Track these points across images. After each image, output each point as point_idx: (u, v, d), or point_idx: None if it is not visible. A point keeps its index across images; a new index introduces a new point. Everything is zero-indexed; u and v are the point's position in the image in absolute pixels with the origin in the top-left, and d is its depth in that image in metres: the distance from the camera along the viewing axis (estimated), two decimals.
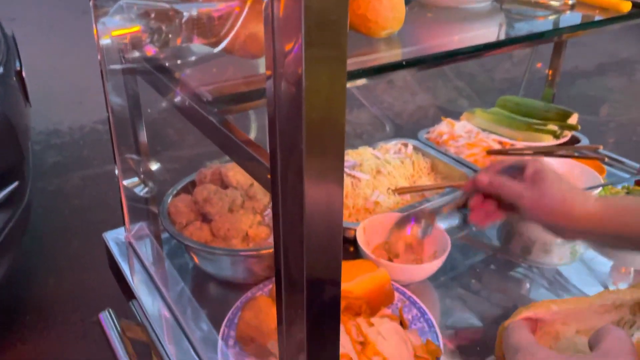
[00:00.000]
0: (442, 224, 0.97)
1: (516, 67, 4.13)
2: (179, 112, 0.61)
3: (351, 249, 1.02)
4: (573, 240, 0.95)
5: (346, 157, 1.24)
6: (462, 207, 1.14)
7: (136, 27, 0.78)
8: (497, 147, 1.28)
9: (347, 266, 0.87)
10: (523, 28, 0.86)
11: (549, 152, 1.18)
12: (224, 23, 0.59)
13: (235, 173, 1.01)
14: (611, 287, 0.95)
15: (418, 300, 0.85)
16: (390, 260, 0.96)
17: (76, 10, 5.47)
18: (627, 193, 1.08)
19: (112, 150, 0.92)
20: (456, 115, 1.43)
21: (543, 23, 0.90)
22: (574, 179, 1.11)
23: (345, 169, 1.18)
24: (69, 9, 5.65)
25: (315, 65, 0.33)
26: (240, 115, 0.68)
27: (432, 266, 0.91)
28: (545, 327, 0.54)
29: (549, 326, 0.54)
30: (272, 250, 0.44)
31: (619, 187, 1.11)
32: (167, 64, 0.67)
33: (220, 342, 0.77)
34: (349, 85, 0.64)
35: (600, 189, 1.07)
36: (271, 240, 0.74)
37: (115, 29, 0.79)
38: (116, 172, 0.94)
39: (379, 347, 0.72)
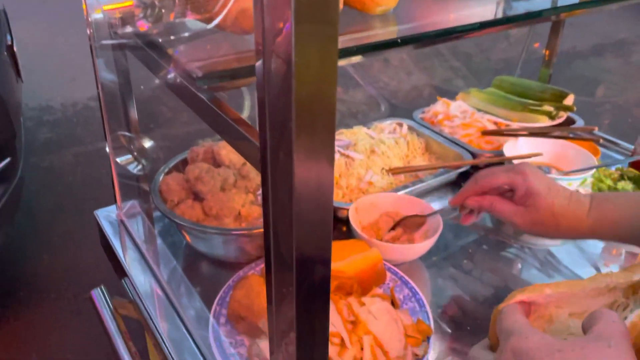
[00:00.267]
0: (434, 205, 0.96)
1: (513, 46, 4.10)
2: (169, 89, 0.60)
3: (344, 228, 1.02)
4: None
5: (340, 137, 1.23)
6: (455, 187, 1.14)
7: (129, 1, 0.76)
8: (492, 127, 1.27)
9: (339, 246, 0.87)
10: (521, 6, 0.84)
11: (543, 133, 1.18)
12: None
13: (228, 152, 1.00)
14: (602, 269, 0.96)
15: (410, 280, 0.85)
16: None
17: None
18: (621, 175, 1.08)
19: (103, 128, 0.91)
20: (452, 95, 1.42)
21: (541, 1, 0.88)
22: (568, 160, 1.11)
23: (340, 149, 1.17)
24: None
25: (306, 42, 0.32)
26: (234, 93, 0.67)
27: (424, 246, 0.91)
28: (539, 311, 0.54)
29: (543, 309, 0.54)
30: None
31: (613, 168, 1.11)
32: (157, 40, 0.66)
33: (211, 320, 0.77)
34: (342, 62, 0.63)
35: (594, 170, 1.07)
36: None
37: (107, 3, 0.78)
38: (107, 149, 0.93)
39: (369, 326, 0.72)
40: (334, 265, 0.79)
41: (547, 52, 1.41)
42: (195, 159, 1.02)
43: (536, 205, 0.71)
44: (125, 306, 0.92)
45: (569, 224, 0.71)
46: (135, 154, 0.93)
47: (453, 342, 0.80)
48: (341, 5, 0.67)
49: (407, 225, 0.96)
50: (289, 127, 0.34)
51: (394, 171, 1.12)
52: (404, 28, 0.73)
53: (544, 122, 1.26)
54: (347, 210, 0.97)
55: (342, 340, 0.70)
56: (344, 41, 0.62)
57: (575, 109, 1.31)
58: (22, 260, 2.21)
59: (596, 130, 1.22)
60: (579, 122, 1.31)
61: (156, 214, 1.01)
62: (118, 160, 0.93)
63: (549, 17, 0.99)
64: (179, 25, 0.69)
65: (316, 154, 0.36)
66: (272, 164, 0.38)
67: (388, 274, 0.86)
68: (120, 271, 0.94)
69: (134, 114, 0.90)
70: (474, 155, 1.18)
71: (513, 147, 1.14)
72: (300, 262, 0.39)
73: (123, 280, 0.93)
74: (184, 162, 1.03)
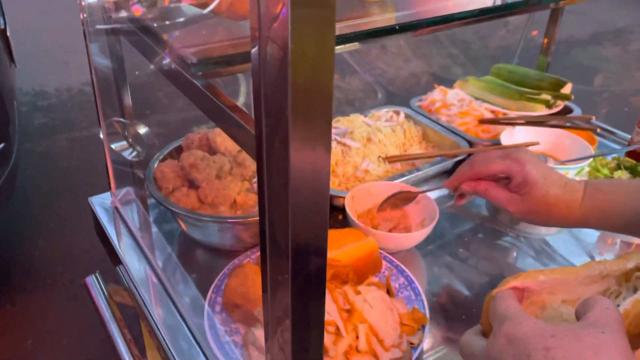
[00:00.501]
0: (431, 194, 0.96)
1: (511, 34, 4.09)
2: (163, 76, 0.60)
3: (340, 217, 1.02)
4: None
5: (337, 125, 1.22)
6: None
7: None
8: (489, 116, 1.27)
9: (335, 234, 0.87)
10: None
11: (541, 122, 1.18)
12: None
13: (224, 139, 1.00)
14: (597, 258, 0.96)
15: (405, 269, 0.85)
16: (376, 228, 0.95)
17: None
18: (617, 164, 1.08)
19: (97, 113, 0.90)
20: (449, 83, 1.42)
21: None
22: (564, 149, 1.11)
23: (336, 137, 1.17)
24: None
25: (303, 27, 0.32)
26: (229, 79, 0.67)
27: (420, 234, 0.91)
28: (532, 297, 0.54)
29: (536, 296, 0.54)
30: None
31: (610, 158, 1.11)
32: (152, 25, 0.65)
33: (207, 308, 0.77)
34: (340, 49, 0.62)
35: (591, 159, 1.07)
36: None
37: None
38: (101, 135, 0.92)
39: (365, 315, 0.72)
40: (330, 254, 0.79)
41: (546, 40, 1.40)
42: (190, 146, 1.01)
43: (531, 194, 0.72)
44: (120, 293, 0.92)
45: (561, 213, 0.71)
46: (130, 140, 0.92)
47: (448, 330, 0.81)
48: None
49: (397, 201, 0.95)
50: (285, 115, 0.34)
51: (391, 159, 1.12)
52: (402, 15, 0.72)
53: (542, 110, 1.26)
54: (343, 198, 0.96)
55: (338, 328, 0.70)
56: (341, 28, 0.61)
57: (572, 97, 1.31)
58: (17, 246, 2.20)
59: (593, 120, 1.22)
60: (577, 111, 1.31)
61: (151, 201, 1.01)
62: (112, 146, 0.92)
63: (548, 5, 0.98)
64: (173, 10, 0.68)
65: (313, 142, 0.35)
66: (268, 152, 0.38)
67: (384, 263, 0.86)
68: (115, 258, 0.94)
69: (128, 99, 0.89)
70: (470, 144, 1.17)
71: (510, 136, 1.13)
72: (296, 250, 0.39)
73: (118, 268, 0.92)
74: (179, 149, 1.02)
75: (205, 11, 0.63)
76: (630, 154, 1.13)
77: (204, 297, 0.79)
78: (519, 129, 1.15)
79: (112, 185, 0.98)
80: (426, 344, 0.77)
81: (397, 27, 0.64)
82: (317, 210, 0.39)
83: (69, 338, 1.84)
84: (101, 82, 0.86)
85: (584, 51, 4.11)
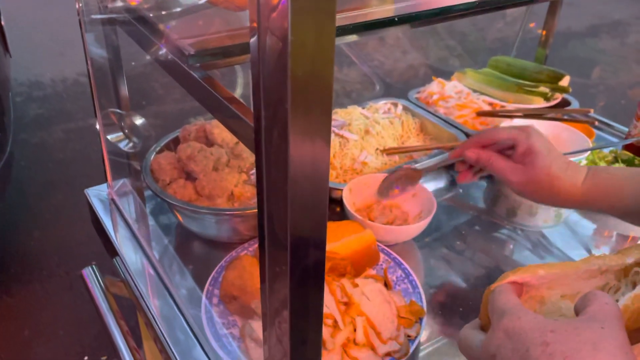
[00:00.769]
0: (428, 186, 0.96)
1: (509, 26, 4.07)
2: (160, 66, 0.59)
3: (337, 209, 1.02)
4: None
5: (335, 117, 1.22)
6: (449, 168, 1.14)
7: None
8: (487, 108, 1.26)
9: (333, 227, 0.87)
10: None
11: (539, 114, 1.17)
12: None
13: (221, 131, 0.99)
14: (593, 250, 0.96)
15: (403, 262, 0.85)
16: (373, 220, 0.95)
17: None
18: (615, 157, 1.08)
19: (93, 104, 0.89)
20: (447, 75, 1.41)
21: None
22: (562, 142, 1.11)
23: (334, 129, 1.16)
24: None
25: (302, 18, 0.31)
26: (227, 70, 0.66)
27: (417, 227, 0.91)
28: (531, 292, 0.54)
29: (535, 290, 0.54)
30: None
31: (607, 151, 1.11)
32: (148, 15, 0.64)
33: (204, 300, 0.77)
34: (338, 41, 0.62)
35: (588, 153, 1.07)
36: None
37: None
38: (97, 126, 0.91)
39: (363, 307, 0.72)
40: (327, 246, 0.79)
41: (544, 32, 1.40)
42: (187, 137, 1.00)
43: (534, 164, 0.71)
44: (117, 285, 0.91)
45: (563, 188, 0.71)
46: (126, 131, 0.91)
47: (445, 323, 0.81)
48: None
49: (399, 181, 0.95)
50: (284, 107, 0.33)
51: (389, 152, 1.12)
52: (400, 6, 0.71)
53: (539, 103, 1.26)
54: (341, 190, 0.96)
55: (335, 321, 0.70)
56: (340, 19, 0.61)
57: (570, 90, 1.30)
58: (13, 237, 2.19)
59: (591, 113, 1.22)
60: (574, 104, 1.30)
61: (147, 192, 1.00)
62: (109, 137, 0.91)
63: None
64: (169, 0, 0.67)
65: (312, 134, 0.35)
66: (266, 145, 0.37)
67: (381, 255, 0.86)
68: (111, 250, 0.93)
69: (124, 90, 0.88)
70: (468, 136, 1.17)
71: None
72: (295, 241, 0.39)
73: (114, 259, 0.92)
74: (176, 141, 1.02)
75: (203, 1, 0.62)
76: (627, 147, 1.13)
77: (201, 289, 0.79)
78: (516, 121, 1.15)
79: (109, 176, 0.98)
80: (423, 336, 0.77)
81: (396, 19, 0.63)
82: (316, 203, 0.38)
83: (65, 329, 1.84)
84: (97, 73, 0.85)
85: (581, 44, 4.10)
